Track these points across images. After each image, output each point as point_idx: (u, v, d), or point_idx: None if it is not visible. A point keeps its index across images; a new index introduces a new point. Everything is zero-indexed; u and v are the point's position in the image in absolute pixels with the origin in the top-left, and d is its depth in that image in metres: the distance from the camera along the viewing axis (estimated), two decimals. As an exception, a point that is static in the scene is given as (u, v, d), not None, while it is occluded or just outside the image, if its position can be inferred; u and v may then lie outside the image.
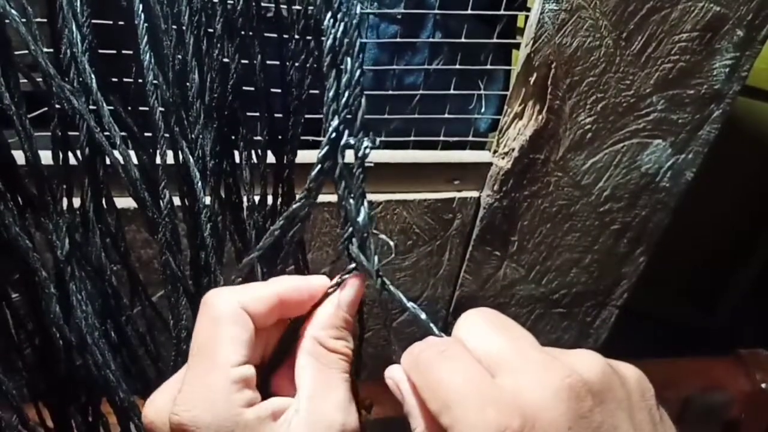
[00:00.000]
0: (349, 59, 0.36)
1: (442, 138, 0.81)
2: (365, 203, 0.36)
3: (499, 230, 0.86)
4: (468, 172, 0.82)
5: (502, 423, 0.28)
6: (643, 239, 0.92)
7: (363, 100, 0.36)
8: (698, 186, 0.87)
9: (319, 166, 0.36)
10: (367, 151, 0.36)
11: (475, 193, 0.84)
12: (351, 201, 0.36)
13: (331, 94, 0.36)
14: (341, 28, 0.36)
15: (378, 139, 0.36)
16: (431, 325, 0.36)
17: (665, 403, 0.34)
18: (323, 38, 0.37)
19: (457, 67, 0.77)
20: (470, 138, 0.82)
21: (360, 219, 0.36)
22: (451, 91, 0.78)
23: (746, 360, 0.92)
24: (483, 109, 0.83)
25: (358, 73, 0.36)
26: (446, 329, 1.04)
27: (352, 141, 0.36)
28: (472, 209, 0.84)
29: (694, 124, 0.80)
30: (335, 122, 0.36)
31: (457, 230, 0.86)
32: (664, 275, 1.29)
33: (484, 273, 0.91)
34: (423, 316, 0.36)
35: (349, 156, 0.37)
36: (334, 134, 0.36)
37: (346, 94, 0.36)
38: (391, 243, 0.80)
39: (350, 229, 0.37)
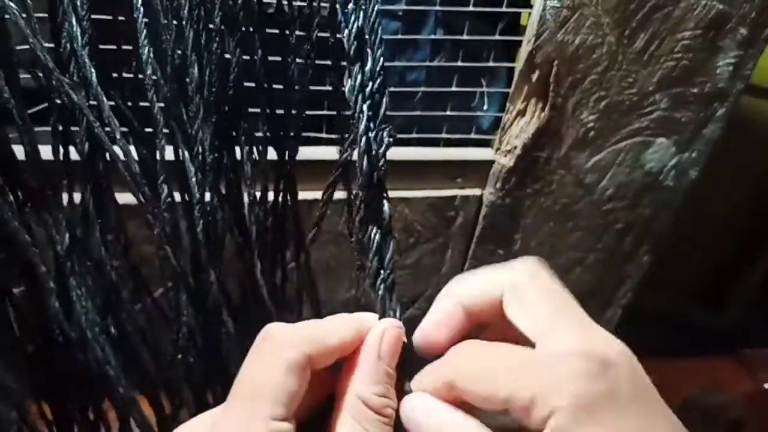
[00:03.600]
0: (370, 50, 0.35)
1: (444, 135, 0.81)
2: (387, 193, 0.36)
3: (501, 228, 0.86)
4: (470, 169, 0.82)
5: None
6: (647, 238, 0.91)
7: (386, 91, 0.35)
8: (704, 185, 0.86)
9: (366, 157, 0.35)
10: (390, 141, 0.35)
11: (477, 191, 0.83)
12: (378, 192, 0.36)
13: (357, 84, 0.35)
14: (361, 17, 0.36)
15: (393, 133, 0.35)
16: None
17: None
18: (339, 30, 0.36)
19: (459, 64, 0.77)
20: (473, 135, 0.82)
21: (386, 209, 0.35)
22: (454, 89, 0.78)
23: (749, 360, 0.91)
24: (485, 107, 0.82)
25: (381, 62, 0.35)
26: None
27: (378, 130, 0.35)
28: (475, 207, 0.84)
29: (697, 123, 0.80)
30: (365, 110, 0.35)
31: (459, 228, 0.86)
32: (669, 275, 1.28)
33: (487, 271, 0.91)
34: None
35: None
36: (366, 123, 0.35)
37: (369, 84, 0.35)
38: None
39: (371, 222, 0.36)
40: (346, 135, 0.50)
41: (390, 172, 0.35)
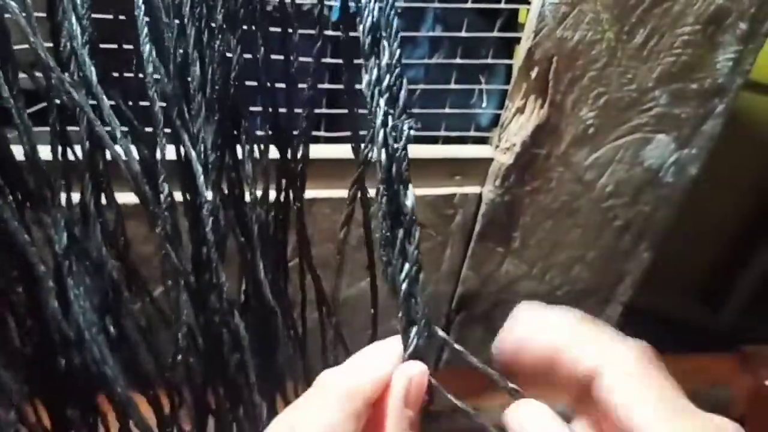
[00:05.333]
0: (387, 43, 0.35)
1: (443, 133, 0.81)
2: (411, 187, 0.35)
3: (500, 226, 0.86)
4: (469, 167, 0.82)
5: None
6: (646, 235, 0.91)
7: (404, 81, 0.35)
8: (703, 183, 0.86)
9: (384, 151, 0.34)
10: (411, 132, 0.35)
11: (476, 189, 0.83)
12: (400, 186, 0.35)
13: (374, 75, 0.35)
14: (376, 11, 0.35)
15: (413, 124, 0.35)
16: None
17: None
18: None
19: (458, 61, 0.77)
20: (471, 133, 0.82)
21: (408, 203, 0.35)
22: (452, 86, 0.78)
23: (750, 357, 0.91)
24: (484, 104, 0.82)
25: (397, 55, 0.35)
26: (449, 327, 1.03)
27: (397, 123, 0.35)
28: (474, 205, 0.84)
29: (697, 119, 0.80)
30: (383, 104, 0.35)
31: (458, 226, 0.86)
32: (669, 273, 1.28)
33: (486, 269, 0.91)
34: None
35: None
36: (383, 117, 0.35)
37: (387, 75, 0.35)
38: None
39: (394, 215, 0.35)
40: (361, 132, 0.50)
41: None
